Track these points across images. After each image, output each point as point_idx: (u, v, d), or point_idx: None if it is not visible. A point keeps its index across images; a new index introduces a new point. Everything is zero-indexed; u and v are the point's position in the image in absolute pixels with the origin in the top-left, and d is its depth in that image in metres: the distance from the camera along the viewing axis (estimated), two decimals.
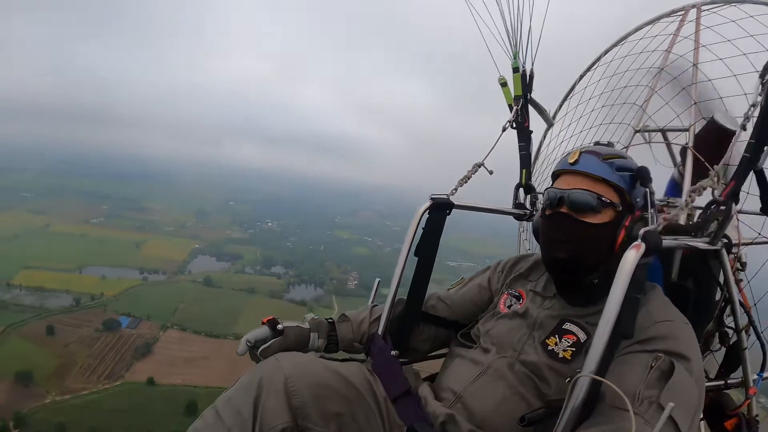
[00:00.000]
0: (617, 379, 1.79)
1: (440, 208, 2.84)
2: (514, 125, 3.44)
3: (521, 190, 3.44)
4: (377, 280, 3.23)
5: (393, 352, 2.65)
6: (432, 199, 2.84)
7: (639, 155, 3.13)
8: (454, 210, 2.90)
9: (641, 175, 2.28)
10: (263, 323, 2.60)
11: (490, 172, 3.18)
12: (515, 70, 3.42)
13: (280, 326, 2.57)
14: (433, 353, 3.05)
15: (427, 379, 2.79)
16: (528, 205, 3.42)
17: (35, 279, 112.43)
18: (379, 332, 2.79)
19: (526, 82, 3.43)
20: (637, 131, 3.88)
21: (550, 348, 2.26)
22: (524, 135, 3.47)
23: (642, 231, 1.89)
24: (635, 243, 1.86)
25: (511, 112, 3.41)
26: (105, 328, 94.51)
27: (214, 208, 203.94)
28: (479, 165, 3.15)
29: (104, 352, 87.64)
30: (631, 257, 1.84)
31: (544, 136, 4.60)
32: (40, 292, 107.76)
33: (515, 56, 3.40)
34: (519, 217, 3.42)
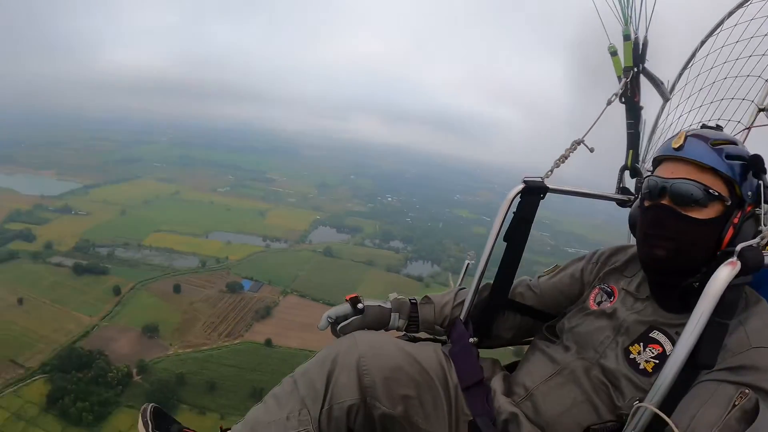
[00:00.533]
0: (693, 411, 1.74)
1: (533, 192, 2.73)
2: (623, 99, 3.12)
3: (627, 173, 3.20)
4: (467, 262, 3.19)
5: (471, 340, 2.65)
6: (524, 181, 2.72)
7: (761, 137, 3.20)
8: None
9: (754, 165, 2.07)
10: (346, 300, 2.71)
11: (591, 150, 2.95)
12: (626, 37, 3.06)
13: (360, 305, 2.68)
14: (518, 341, 2.98)
15: (508, 367, 2.75)
16: (634, 191, 3.14)
17: (165, 241, 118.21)
18: (462, 317, 2.78)
19: (638, 52, 3.07)
20: (761, 110, 3.40)
21: (632, 356, 2.15)
22: (633, 111, 3.16)
23: (739, 247, 1.75)
24: (729, 260, 1.73)
25: (619, 84, 3.08)
26: (228, 289, 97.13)
27: (336, 181, 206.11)
28: (578, 142, 2.94)
29: (226, 312, 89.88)
30: (721, 277, 1.69)
31: (661, 111, 3.98)
32: (169, 253, 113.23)
33: (626, 22, 3.05)
34: (622, 204, 3.11)
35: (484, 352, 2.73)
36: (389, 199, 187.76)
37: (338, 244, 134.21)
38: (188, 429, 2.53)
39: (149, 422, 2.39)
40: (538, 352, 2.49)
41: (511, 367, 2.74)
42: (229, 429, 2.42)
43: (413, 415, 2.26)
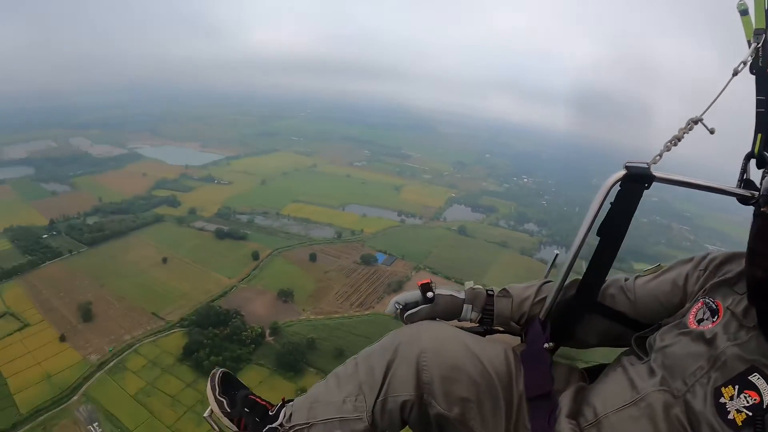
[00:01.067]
0: None
1: (636, 180, 2.31)
2: (753, 69, 2.48)
3: (753, 162, 2.50)
4: (555, 252, 2.87)
5: (546, 345, 2.40)
6: (627, 168, 2.32)
7: None
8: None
9: None
10: (418, 286, 2.60)
11: (711, 132, 2.48)
12: None
13: (431, 293, 2.56)
14: (605, 346, 2.66)
15: (588, 370, 2.55)
16: (759, 185, 2.46)
17: (302, 211, 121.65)
18: (540, 317, 2.52)
19: None
20: None
21: (722, 400, 1.79)
22: (765, 85, 2.47)
23: None
24: None
25: (749, 50, 2.49)
26: (362, 261, 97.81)
27: (472, 159, 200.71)
28: (695, 121, 2.47)
29: (359, 283, 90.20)
30: None
31: None
32: (306, 223, 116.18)
33: None
34: (744, 201, 2.43)
35: (564, 351, 2.61)
36: (525, 180, 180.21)
37: (472, 223, 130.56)
38: (255, 395, 2.50)
39: (216, 386, 2.44)
40: (620, 370, 2.21)
41: (593, 371, 2.50)
42: (292, 401, 2.43)
43: (470, 419, 2.18)
